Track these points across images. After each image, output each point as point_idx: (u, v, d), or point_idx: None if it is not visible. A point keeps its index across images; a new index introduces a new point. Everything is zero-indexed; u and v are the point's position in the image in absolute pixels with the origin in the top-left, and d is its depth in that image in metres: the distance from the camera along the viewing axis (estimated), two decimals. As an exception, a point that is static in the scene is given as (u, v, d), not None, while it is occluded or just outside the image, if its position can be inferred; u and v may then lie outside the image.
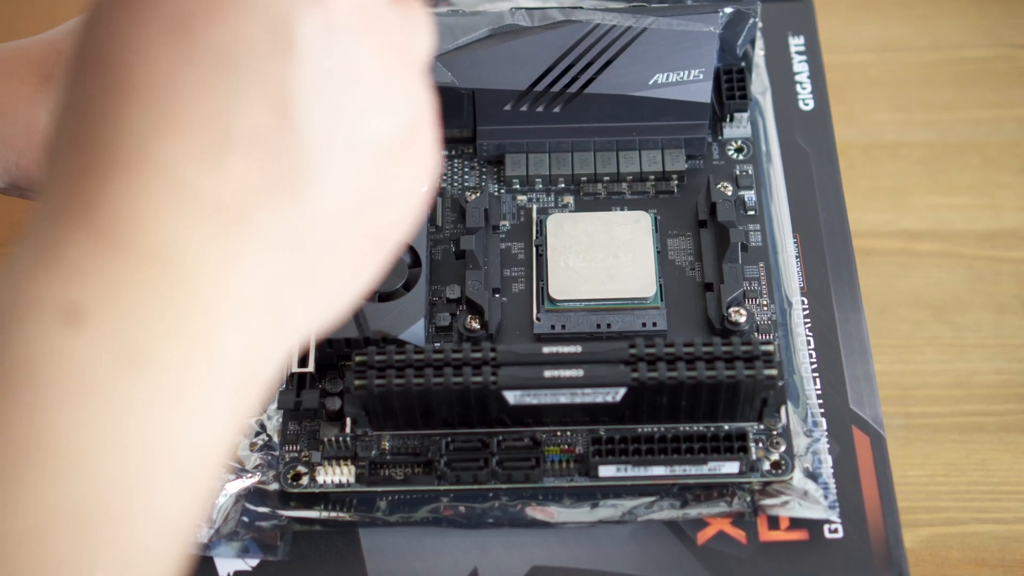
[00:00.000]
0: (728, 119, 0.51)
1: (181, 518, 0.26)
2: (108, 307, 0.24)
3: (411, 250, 0.46)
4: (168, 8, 0.25)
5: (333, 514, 0.43)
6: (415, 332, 0.44)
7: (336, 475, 0.43)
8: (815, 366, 0.45)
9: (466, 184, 0.50)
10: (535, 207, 0.49)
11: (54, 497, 0.24)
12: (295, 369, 0.45)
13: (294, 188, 0.26)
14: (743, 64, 0.51)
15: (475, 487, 0.43)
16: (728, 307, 0.45)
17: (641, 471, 0.42)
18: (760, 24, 0.52)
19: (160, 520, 0.25)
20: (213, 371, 0.26)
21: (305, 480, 0.43)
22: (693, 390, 0.41)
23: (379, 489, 0.43)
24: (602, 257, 0.46)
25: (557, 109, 0.49)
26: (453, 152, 0.51)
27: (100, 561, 0.24)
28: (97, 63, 0.26)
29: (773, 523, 0.42)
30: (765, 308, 0.46)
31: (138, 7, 0.25)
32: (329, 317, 0.29)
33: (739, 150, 0.51)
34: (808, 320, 0.47)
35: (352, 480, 0.43)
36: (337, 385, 0.45)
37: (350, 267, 0.28)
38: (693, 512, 0.42)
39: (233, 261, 0.26)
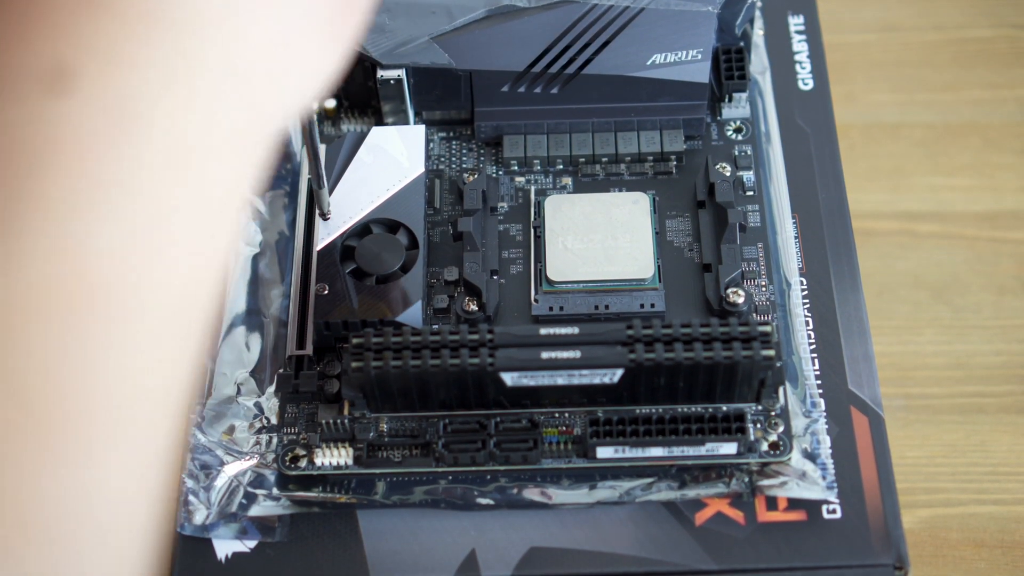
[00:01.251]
0: (727, 99, 0.51)
1: (190, 272, 0.25)
2: (99, 66, 0.23)
3: (408, 232, 0.46)
4: None
5: (331, 496, 0.43)
6: (412, 314, 0.44)
7: (334, 457, 0.43)
8: (814, 347, 0.45)
9: (464, 166, 0.50)
10: (533, 188, 0.49)
11: (52, 268, 0.23)
12: (293, 352, 0.45)
13: None
14: (742, 44, 0.51)
15: (473, 469, 0.43)
16: (726, 288, 0.45)
17: (639, 452, 0.42)
18: (759, 3, 0.52)
19: (171, 275, 0.25)
20: (211, 133, 0.24)
21: (303, 462, 0.43)
22: (691, 371, 0.41)
23: (377, 471, 0.43)
24: (600, 238, 0.46)
25: (555, 90, 0.49)
26: (451, 134, 0.51)
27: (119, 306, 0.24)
28: None
29: (771, 504, 0.42)
30: (764, 289, 0.46)
31: None
32: (318, 82, 0.29)
33: (738, 130, 0.50)
34: (807, 301, 0.46)
35: (350, 462, 0.43)
36: (335, 367, 0.45)
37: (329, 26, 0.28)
38: (691, 493, 0.42)
39: (232, 9, 0.25)
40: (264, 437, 0.44)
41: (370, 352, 0.41)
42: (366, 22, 0.30)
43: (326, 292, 0.44)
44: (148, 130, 0.24)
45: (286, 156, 0.51)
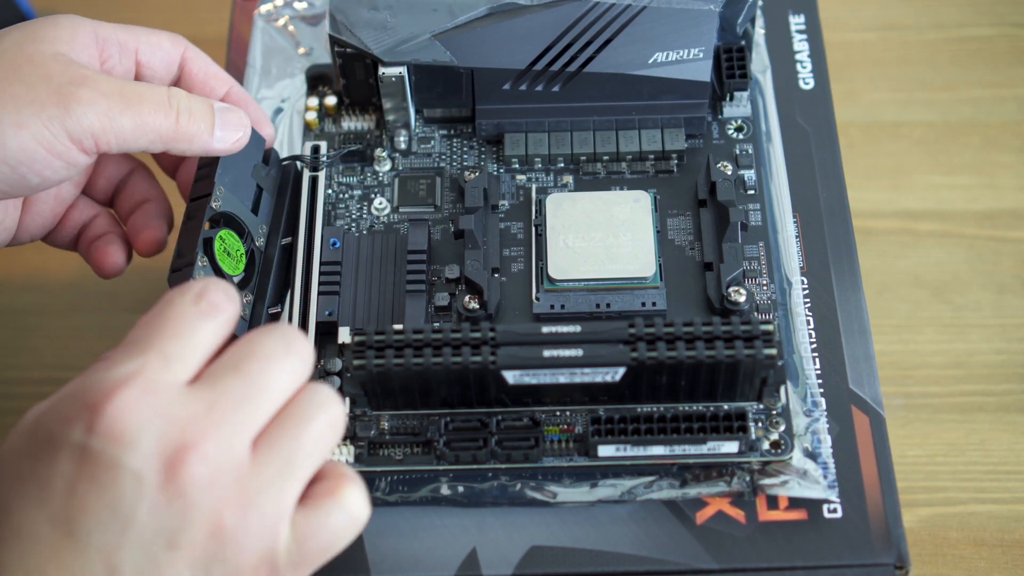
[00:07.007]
0: (728, 98, 0.51)
1: None
2: None
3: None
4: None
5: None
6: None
7: (335, 455, 0.43)
8: (814, 346, 0.45)
9: (465, 164, 0.50)
10: (534, 186, 0.49)
11: None
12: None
13: None
14: (743, 43, 0.50)
15: (474, 467, 0.43)
16: (728, 287, 0.45)
17: (640, 451, 0.42)
18: (760, 2, 0.52)
19: None
20: None
21: (304, 460, 0.43)
22: (692, 370, 0.41)
23: (378, 469, 0.43)
24: (601, 237, 0.46)
25: (556, 88, 0.49)
26: (452, 132, 0.51)
27: None
28: None
29: (772, 503, 0.42)
30: (765, 288, 0.46)
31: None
32: None
33: (739, 129, 0.50)
34: (808, 300, 0.46)
35: (351, 460, 0.43)
36: (335, 365, 0.45)
37: None
38: (692, 492, 0.42)
39: None
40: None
41: (372, 350, 0.41)
42: None
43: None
44: None
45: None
